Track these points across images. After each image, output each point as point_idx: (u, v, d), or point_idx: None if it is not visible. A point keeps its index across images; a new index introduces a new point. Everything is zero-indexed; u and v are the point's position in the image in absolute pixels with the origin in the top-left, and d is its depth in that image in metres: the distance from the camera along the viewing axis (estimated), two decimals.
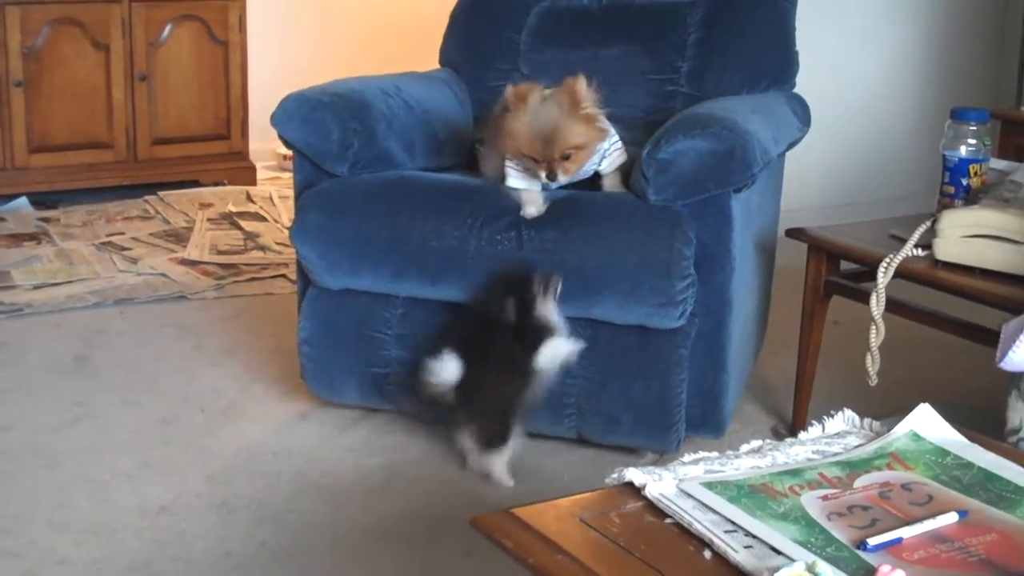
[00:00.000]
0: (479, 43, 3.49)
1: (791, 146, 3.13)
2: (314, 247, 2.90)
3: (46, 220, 4.95)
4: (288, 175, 5.51)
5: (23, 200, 5.14)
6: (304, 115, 2.93)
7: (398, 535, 2.56)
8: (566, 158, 2.76)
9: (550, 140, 2.73)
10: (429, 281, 2.84)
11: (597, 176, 2.92)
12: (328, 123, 2.92)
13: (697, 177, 2.67)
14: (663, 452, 2.85)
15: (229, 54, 5.46)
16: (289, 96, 2.97)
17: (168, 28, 5.30)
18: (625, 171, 2.88)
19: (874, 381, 2.73)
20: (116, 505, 2.66)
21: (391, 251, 2.85)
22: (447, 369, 2.69)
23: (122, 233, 4.80)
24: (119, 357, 3.54)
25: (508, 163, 2.85)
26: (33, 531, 2.55)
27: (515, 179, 2.85)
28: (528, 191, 2.82)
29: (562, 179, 2.78)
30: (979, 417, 2.26)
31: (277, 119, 2.95)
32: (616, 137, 2.90)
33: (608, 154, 2.88)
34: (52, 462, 2.87)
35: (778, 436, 3.02)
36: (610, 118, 2.87)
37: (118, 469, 2.84)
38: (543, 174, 2.76)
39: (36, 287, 4.12)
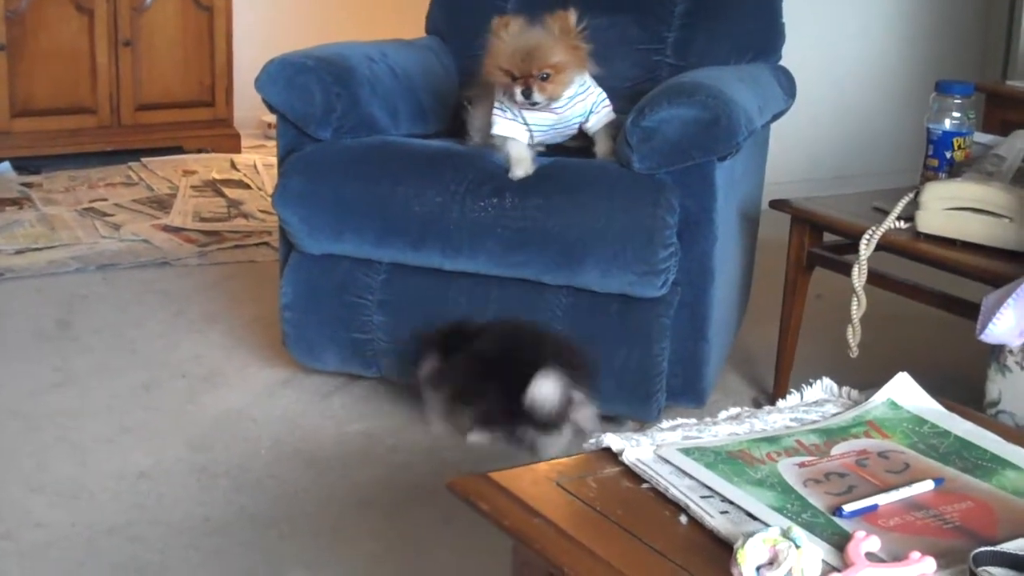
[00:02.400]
0: (465, 11, 3.48)
1: (776, 117, 3.12)
2: (296, 212, 2.89)
3: (28, 185, 4.92)
4: (272, 143, 5.51)
5: (6, 165, 5.12)
6: (288, 78, 2.92)
7: (378, 502, 2.56)
8: (544, 78, 2.78)
9: (529, 55, 2.77)
10: (411, 246, 2.83)
11: (587, 139, 2.92)
12: (311, 87, 2.91)
13: (682, 145, 2.67)
14: (644, 421, 2.84)
15: (214, 20, 5.42)
16: (273, 60, 2.96)
17: None
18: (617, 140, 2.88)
19: (855, 353, 2.74)
20: (95, 469, 2.66)
21: (373, 216, 2.84)
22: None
23: (105, 199, 4.78)
24: (100, 323, 3.53)
25: (495, 108, 2.86)
26: (11, 493, 2.54)
27: (501, 126, 2.86)
28: (517, 149, 2.82)
29: (537, 97, 2.78)
30: (959, 389, 2.27)
31: (261, 82, 2.94)
32: (604, 95, 2.90)
33: (596, 110, 2.89)
34: (32, 426, 2.86)
35: (758, 407, 3.02)
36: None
37: (98, 434, 2.83)
38: (519, 91, 2.78)
39: (18, 252, 4.10)
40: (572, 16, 2.81)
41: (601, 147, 2.91)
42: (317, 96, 2.91)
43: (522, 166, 2.79)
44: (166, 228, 4.44)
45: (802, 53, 3.79)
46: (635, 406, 2.80)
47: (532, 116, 2.86)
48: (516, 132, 2.86)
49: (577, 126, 2.92)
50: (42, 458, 2.70)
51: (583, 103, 2.88)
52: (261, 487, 2.61)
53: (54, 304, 3.66)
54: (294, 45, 3.14)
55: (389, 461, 2.75)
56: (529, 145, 2.89)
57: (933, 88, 3.00)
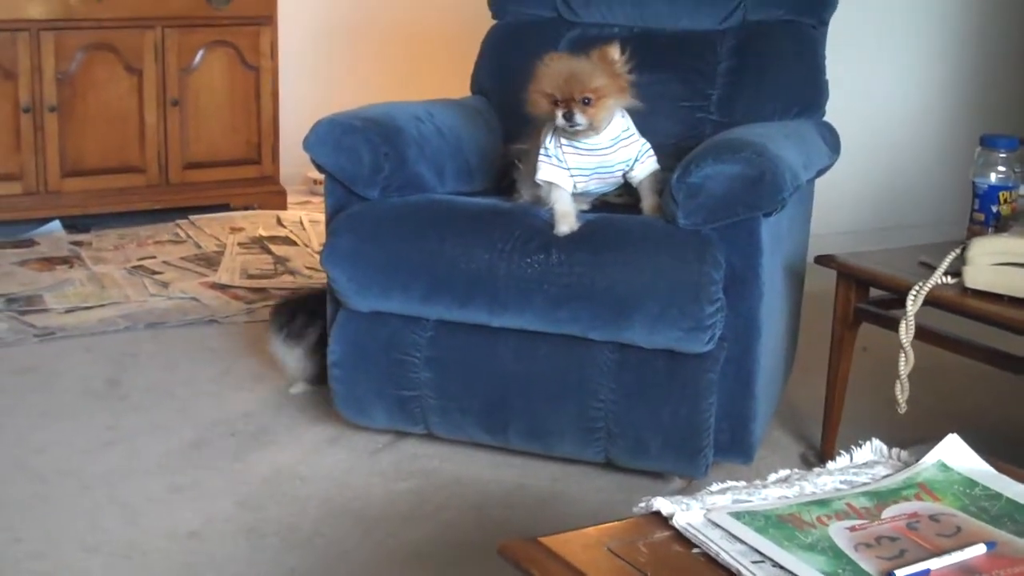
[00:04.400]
0: (510, 70, 3.50)
1: (821, 173, 3.13)
2: (345, 270, 2.91)
3: (78, 244, 4.98)
4: (318, 200, 5.56)
5: (56, 224, 5.18)
6: (336, 139, 2.96)
7: (426, 561, 2.57)
8: (586, 103, 2.80)
9: (572, 78, 2.81)
10: (458, 303, 2.85)
11: (633, 196, 2.94)
12: (359, 147, 2.94)
13: (727, 201, 2.68)
14: (691, 477, 2.85)
15: (260, 79, 5.49)
16: (321, 120, 3.00)
17: (200, 54, 5.33)
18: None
19: (903, 409, 2.72)
20: (147, 529, 2.68)
21: (421, 273, 2.87)
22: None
23: (153, 257, 4.83)
24: (150, 381, 3.56)
25: (540, 154, 2.89)
26: (65, 554, 2.56)
27: (545, 171, 2.89)
28: (562, 204, 2.84)
29: (579, 120, 2.81)
30: (1009, 446, 2.26)
31: (309, 143, 2.98)
32: (648, 145, 2.93)
33: (642, 159, 2.91)
34: (83, 485, 2.88)
35: (807, 463, 3.02)
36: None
37: (149, 493, 2.85)
38: (560, 114, 2.81)
39: (68, 311, 4.15)
40: (615, 49, 2.86)
41: (647, 203, 2.92)
42: (365, 156, 2.94)
43: (567, 221, 2.80)
44: (214, 286, 4.48)
45: (846, 108, 3.79)
46: (683, 462, 2.80)
47: (574, 159, 2.88)
48: (559, 178, 2.88)
49: (620, 173, 2.93)
50: (94, 518, 2.73)
51: (626, 149, 2.90)
52: (310, 546, 2.62)
53: (104, 363, 3.70)
54: (338, 104, 3.18)
55: (438, 519, 2.75)
56: (573, 194, 2.90)
57: (977, 142, 3.00)
